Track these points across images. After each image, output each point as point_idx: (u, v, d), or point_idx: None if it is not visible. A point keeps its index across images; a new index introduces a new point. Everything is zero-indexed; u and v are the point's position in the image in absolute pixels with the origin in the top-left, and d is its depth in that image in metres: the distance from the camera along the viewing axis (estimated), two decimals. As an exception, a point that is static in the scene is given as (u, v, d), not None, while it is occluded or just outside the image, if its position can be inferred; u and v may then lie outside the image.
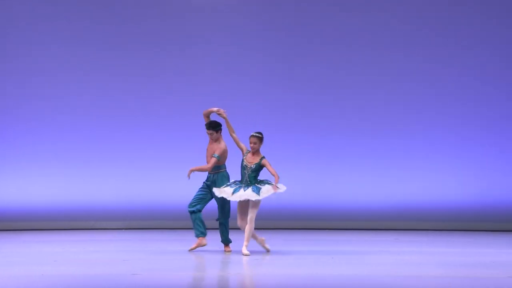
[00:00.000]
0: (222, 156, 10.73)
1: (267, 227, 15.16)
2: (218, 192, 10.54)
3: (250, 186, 10.42)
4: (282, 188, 10.49)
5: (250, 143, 10.58)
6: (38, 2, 15.34)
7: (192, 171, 10.65)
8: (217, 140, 10.75)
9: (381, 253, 10.97)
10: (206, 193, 10.78)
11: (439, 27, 15.43)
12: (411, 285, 7.96)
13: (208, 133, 10.76)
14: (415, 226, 15.28)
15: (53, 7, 15.30)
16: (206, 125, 10.77)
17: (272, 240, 13.17)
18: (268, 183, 10.47)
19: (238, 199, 10.41)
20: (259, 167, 10.54)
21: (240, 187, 10.46)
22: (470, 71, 15.45)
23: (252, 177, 10.50)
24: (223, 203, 10.72)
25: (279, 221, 15.35)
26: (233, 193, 10.42)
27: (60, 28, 15.26)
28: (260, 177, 10.64)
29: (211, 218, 11.02)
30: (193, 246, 10.75)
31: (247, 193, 10.34)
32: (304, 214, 15.39)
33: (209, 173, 10.80)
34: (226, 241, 10.89)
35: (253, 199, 10.33)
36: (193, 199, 10.78)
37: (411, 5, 15.46)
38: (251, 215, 10.40)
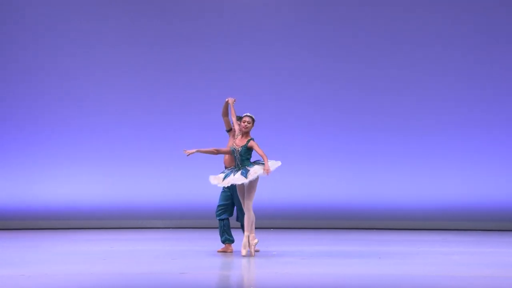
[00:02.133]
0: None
1: (312, 226, 15.16)
2: (212, 179, 10.12)
3: (240, 170, 10.07)
4: (274, 165, 10.03)
5: (244, 122, 10.23)
6: (45, 2, 15.51)
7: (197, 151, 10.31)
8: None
9: (429, 253, 10.89)
10: (230, 199, 10.60)
11: (486, 27, 15.33)
12: (461, 285, 7.89)
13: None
14: (463, 226, 15.14)
15: (64, 6, 15.49)
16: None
17: (318, 239, 13.15)
18: (259, 164, 10.09)
19: (227, 185, 10.02)
20: (247, 149, 10.14)
21: (231, 172, 10.11)
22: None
23: (243, 161, 10.14)
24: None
25: (322, 221, 15.34)
26: (224, 178, 10.07)
27: (75, 29, 15.47)
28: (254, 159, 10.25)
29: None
30: (220, 249, 10.70)
31: (235, 178, 9.97)
32: (349, 214, 15.34)
33: None
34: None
35: (239, 182, 9.95)
36: (218, 207, 10.62)
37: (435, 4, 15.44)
38: (247, 201, 10.07)
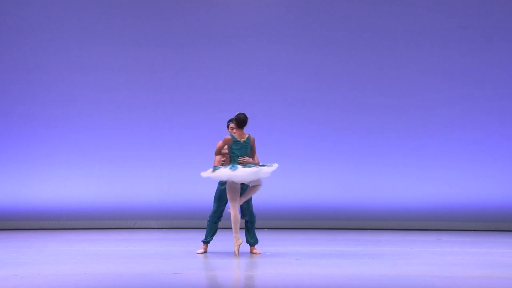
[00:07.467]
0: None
1: (306, 227, 15.16)
2: (224, 173, 9.79)
3: (246, 165, 9.91)
4: (270, 168, 10.01)
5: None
6: (46, 1, 15.49)
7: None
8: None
9: (423, 253, 10.90)
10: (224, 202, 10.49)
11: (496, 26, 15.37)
12: (455, 285, 7.89)
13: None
14: (457, 227, 15.16)
15: (62, 5, 15.46)
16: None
17: (312, 239, 13.15)
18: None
19: (247, 179, 9.75)
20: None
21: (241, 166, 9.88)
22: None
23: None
24: (248, 200, 10.35)
25: (316, 221, 15.34)
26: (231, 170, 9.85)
27: (73, 28, 15.45)
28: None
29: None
30: (202, 250, 10.64)
31: (265, 171, 9.85)
32: (343, 214, 15.35)
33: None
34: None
35: (267, 175, 9.96)
36: (216, 212, 10.45)
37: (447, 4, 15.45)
38: (240, 200, 10.03)
